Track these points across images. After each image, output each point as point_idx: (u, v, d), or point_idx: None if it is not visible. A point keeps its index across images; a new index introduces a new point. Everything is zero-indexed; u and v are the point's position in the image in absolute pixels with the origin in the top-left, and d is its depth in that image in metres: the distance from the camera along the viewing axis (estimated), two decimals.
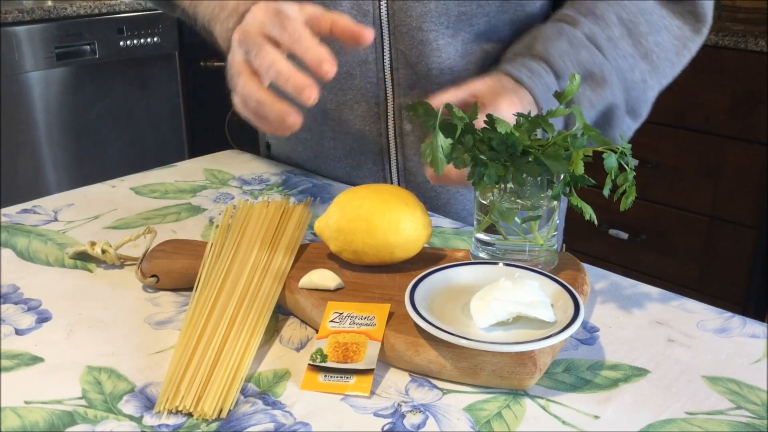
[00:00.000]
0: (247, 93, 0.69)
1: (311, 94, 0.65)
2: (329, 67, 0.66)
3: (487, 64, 0.90)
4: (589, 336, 0.64)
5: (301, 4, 0.72)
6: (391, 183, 0.96)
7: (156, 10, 2.63)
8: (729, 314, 0.68)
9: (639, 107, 0.90)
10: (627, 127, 0.91)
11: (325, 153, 0.99)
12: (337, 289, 0.66)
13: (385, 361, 0.60)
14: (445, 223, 0.88)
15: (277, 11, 0.69)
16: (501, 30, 0.89)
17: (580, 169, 0.63)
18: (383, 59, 0.89)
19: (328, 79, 0.66)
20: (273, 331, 0.65)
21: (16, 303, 0.68)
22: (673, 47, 0.88)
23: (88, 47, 2.51)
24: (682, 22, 0.89)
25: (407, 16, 0.86)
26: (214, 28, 0.81)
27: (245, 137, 2.92)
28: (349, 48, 0.70)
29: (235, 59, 0.71)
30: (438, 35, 0.86)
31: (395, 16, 0.87)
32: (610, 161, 0.64)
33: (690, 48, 0.90)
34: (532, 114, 0.68)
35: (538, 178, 0.66)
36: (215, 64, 2.78)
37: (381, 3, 0.86)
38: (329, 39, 0.88)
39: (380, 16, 0.87)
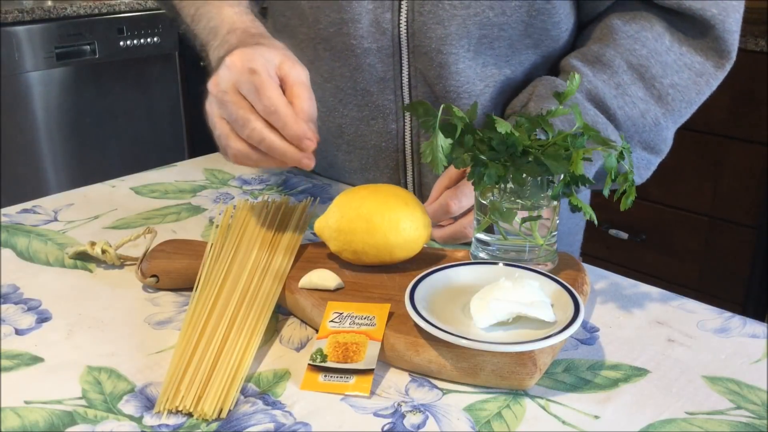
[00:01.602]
0: (244, 155, 0.71)
1: (310, 164, 0.68)
2: (309, 144, 0.67)
3: (507, 88, 0.88)
4: (589, 336, 0.64)
5: (283, 59, 0.71)
6: None
7: (156, 10, 2.63)
8: (729, 314, 0.68)
9: (656, 145, 0.88)
10: (648, 161, 0.89)
11: (340, 165, 0.98)
12: (337, 289, 0.66)
13: (385, 361, 0.60)
14: None
15: (251, 70, 0.68)
16: (523, 54, 0.87)
17: (580, 169, 0.63)
18: (401, 77, 0.88)
19: (311, 151, 0.68)
20: (273, 331, 0.65)
21: (16, 303, 0.68)
22: (694, 85, 0.86)
23: (88, 47, 2.51)
24: (704, 59, 0.86)
25: (426, 37, 0.84)
26: (208, 53, 0.81)
27: None
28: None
29: (215, 116, 0.72)
30: (458, 58, 0.85)
31: (414, 36, 0.85)
32: (610, 161, 0.64)
33: (711, 84, 0.87)
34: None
35: (538, 178, 0.66)
36: None
37: (400, 22, 0.85)
38: (346, 51, 0.87)
39: (399, 35, 0.85)
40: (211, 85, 0.71)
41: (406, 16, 0.85)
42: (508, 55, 0.86)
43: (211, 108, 0.72)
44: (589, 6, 0.88)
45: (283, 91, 0.70)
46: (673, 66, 0.85)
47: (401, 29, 0.85)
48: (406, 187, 0.95)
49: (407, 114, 0.90)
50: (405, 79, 0.88)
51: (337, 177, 1.01)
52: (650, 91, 0.85)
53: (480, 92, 0.87)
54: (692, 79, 0.86)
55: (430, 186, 0.93)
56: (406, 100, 0.89)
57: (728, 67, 0.88)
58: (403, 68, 0.87)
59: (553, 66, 0.91)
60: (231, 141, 0.70)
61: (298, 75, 0.70)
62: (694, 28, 0.85)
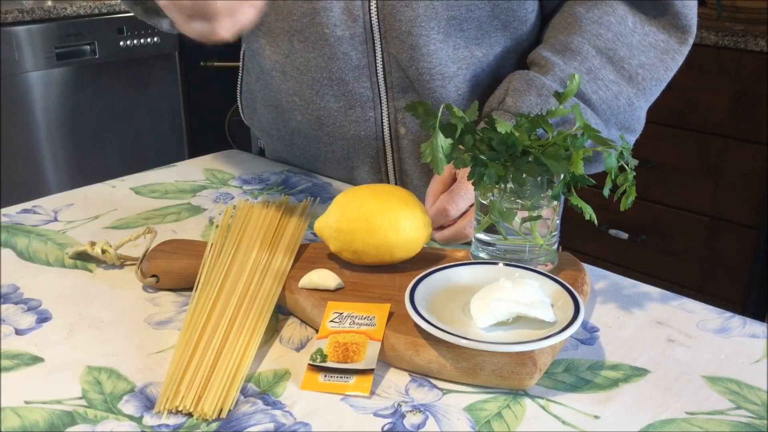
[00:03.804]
0: None
1: None
2: None
3: (481, 72, 0.90)
4: (589, 336, 0.64)
5: None
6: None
7: None
8: (729, 314, 0.68)
9: (630, 125, 0.90)
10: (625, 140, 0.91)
11: (322, 157, 0.99)
12: (337, 289, 0.66)
13: (385, 361, 0.60)
14: None
15: None
16: (492, 35, 0.89)
17: (580, 169, 0.63)
18: (375, 63, 0.89)
19: None
20: (273, 331, 0.65)
21: (16, 303, 0.68)
22: (661, 63, 0.89)
23: (88, 47, 2.51)
24: (667, 36, 0.89)
25: (396, 20, 0.86)
26: None
27: (245, 137, 2.92)
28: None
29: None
30: (429, 40, 0.86)
31: (385, 20, 0.86)
32: (610, 161, 0.64)
33: (677, 60, 0.90)
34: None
35: (538, 178, 0.66)
36: (215, 64, 2.78)
37: (371, 7, 0.86)
38: (320, 41, 0.88)
39: (371, 20, 0.87)
40: None
41: (375, 1, 0.86)
42: (478, 37, 0.88)
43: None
44: None
45: None
46: (639, 46, 0.88)
47: (372, 14, 0.86)
48: (387, 174, 0.96)
49: (383, 101, 0.91)
50: (379, 65, 0.89)
51: (320, 170, 1.02)
52: (620, 73, 0.87)
53: (453, 74, 0.88)
54: (658, 57, 0.89)
55: (411, 172, 0.94)
56: (382, 87, 0.90)
57: (691, 41, 0.90)
58: (377, 54, 0.89)
59: (524, 52, 0.92)
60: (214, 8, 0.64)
61: None
62: (654, 8, 0.88)
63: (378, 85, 0.90)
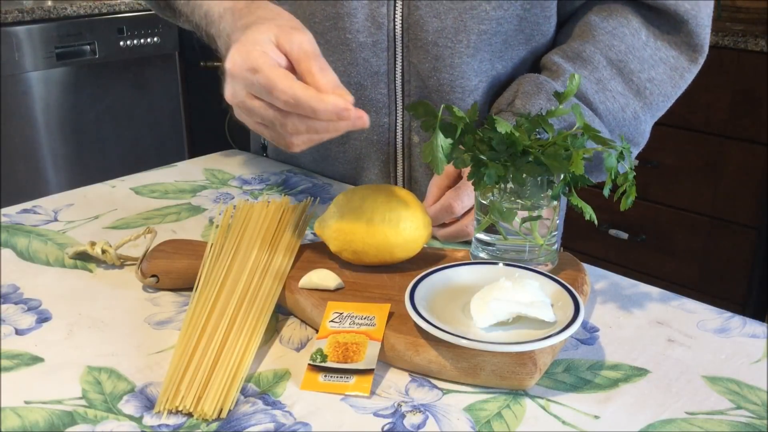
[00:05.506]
0: (306, 141, 0.65)
1: (363, 121, 0.61)
2: (347, 114, 0.60)
3: (497, 83, 0.90)
4: (589, 336, 0.64)
5: (278, 33, 0.64)
6: None
7: None
8: (729, 314, 0.68)
9: (634, 138, 0.90)
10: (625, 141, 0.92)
11: (332, 157, 0.99)
12: (337, 289, 0.66)
13: (385, 361, 0.60)
14: None
15: (251, 70, 0.62)
16: (515, 49, 0.89)
17: (580, 169, 0.63)
18: (395, 71, 0.89)
19: (353, 114, 0.61)
20: (273, 331, 0.65)
21: (16, 303, 0.68)
22: (669, 79, 0.89)
23: (88, 47, 2.51)
24: (678, 53, 0.89)
25: (423, 30, 0.85)
26: (217, 45, 0.76)
27: (245, 137, 2.92)
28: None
29: (254, 125, 0.66)
30: (454, 52, 0.86)
31: (410, 29, 0.86)
32: (610, 161, 0.64)
33: (686, 78, 0.90)
34: None
35: (538, 178, 0.66)
36: (215, 64, 2.78)
37: (396, 16, 0.86)
38: (341, 46, 0.88)
39: (395, 29, 0.86)
40: (228, 97, 0.66)
41: (401, 10, 0.86)
42: (502, 50, 0.88)
43: (243, 117, 0.67)
44: (567, 2, 0.91)
45: (293, 67, 0.64)
46: (650, 61, 0.88)
47: (396, 23, 0.86)
48: (396, 180, 0.96)
49: (399, 108, 0.91)
50: (398, 73, 0.89)
51: (330, 169, 1.02)
52: (629, 86, 0.87)
53: (474, 87, 0.88)
54: (668, 73, 0.89)
55: (420, 180, 0.94)
56: (399, 94, 0.90)
57: (701, 61, 0.91)
58: (397, 62, 0.88)
59: (536, 62, 0.92)
60: (288, 139, 0.65)
61: (300, 45, 0.64)
62: (669, 24, 0.88)
63: (395, 92, 0.90)
